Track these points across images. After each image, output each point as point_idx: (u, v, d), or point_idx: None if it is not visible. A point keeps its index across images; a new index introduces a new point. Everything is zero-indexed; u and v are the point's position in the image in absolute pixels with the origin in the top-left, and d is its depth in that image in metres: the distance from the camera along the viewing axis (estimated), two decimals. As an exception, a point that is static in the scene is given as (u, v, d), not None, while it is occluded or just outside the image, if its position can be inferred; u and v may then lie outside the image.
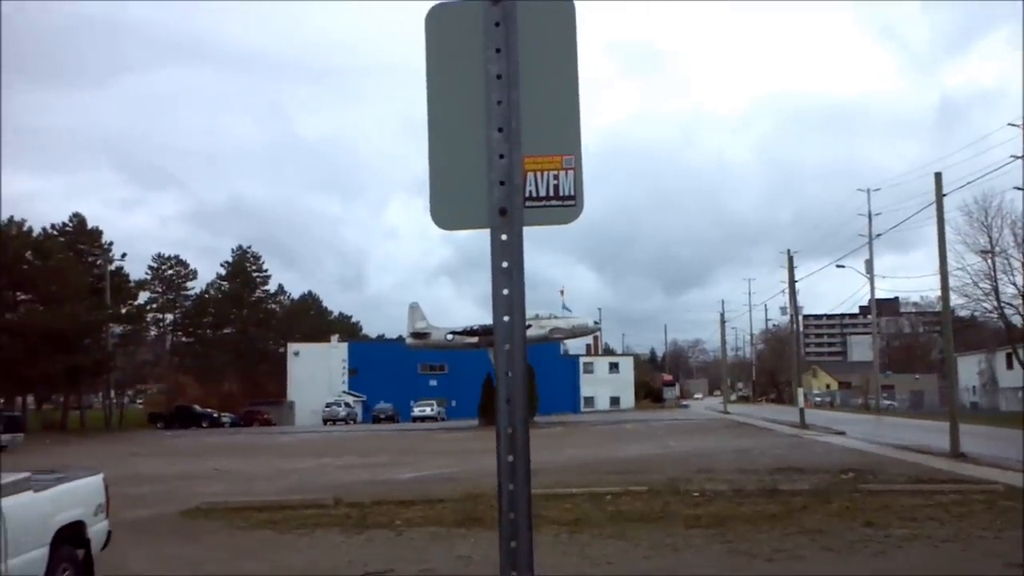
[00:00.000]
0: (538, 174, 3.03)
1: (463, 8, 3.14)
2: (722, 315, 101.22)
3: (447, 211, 3.06)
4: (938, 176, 28.92)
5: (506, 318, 2.90)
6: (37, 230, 71.27)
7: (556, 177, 3.03)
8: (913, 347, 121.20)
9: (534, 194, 3.01)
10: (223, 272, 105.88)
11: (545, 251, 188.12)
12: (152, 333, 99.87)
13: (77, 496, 9.73)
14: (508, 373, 2.87)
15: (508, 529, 2.86)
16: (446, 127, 3.11)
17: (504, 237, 2.94)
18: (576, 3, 3.11)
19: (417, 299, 77.82)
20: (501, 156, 3.01)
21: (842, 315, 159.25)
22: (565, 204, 3.01)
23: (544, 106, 3.07)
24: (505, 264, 2.92)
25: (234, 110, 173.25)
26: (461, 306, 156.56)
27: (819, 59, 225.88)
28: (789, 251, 58.68)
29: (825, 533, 12.82)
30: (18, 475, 8.91)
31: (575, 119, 3.09)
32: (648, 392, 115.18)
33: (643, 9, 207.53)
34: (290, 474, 25.81)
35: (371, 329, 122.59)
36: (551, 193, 3.02)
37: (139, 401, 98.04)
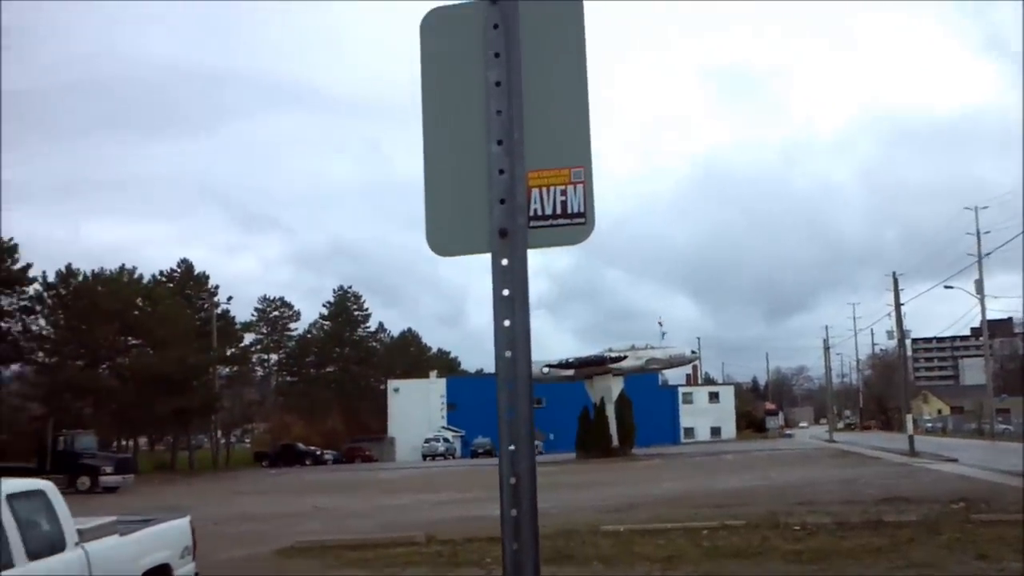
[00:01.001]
0: (543, 190, 2.70)
1: (460, 10, 2.84)
2: (826, 341, 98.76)
3: (444, 235, 2.75)
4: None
5: (508, 353, 2.55)
6: (147, 276, 73.64)
7: (564, 192, 2.69)
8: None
9: (539, 212, 2.68)
10: (325, 312, 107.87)
11: (643, 281, 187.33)
12: (258, 373, 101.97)
13: (163, 539, 9.78)
14: (511, 415, 2.53)
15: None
16: (442, 141, 2.81)
17: (505, 262, 2.62)
18: (586, 4, 2.78)
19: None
20: (501, 171, 2.69)
21: (952, 337, 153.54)
22: (574, 222, 2.67)
23: (549, 115, 2.73)
24: (507, 292, 2.60)
25: (333, 153, 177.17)
26: (559, 339, 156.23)
27: (920, 74, 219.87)
28: (894, 273, 56.81)
29: (934, 567, 12.01)
30: (105, 519, 9.01)
31: (584, 127, 2.75)
32: (750, 422, 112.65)
33: (736, 33, 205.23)
34: (387, 510, 25.77)
35: (469, 364, 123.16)
36: (558, 211, 2.68)
37: (246, 440, 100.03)
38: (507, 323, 2.58)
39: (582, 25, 2.78)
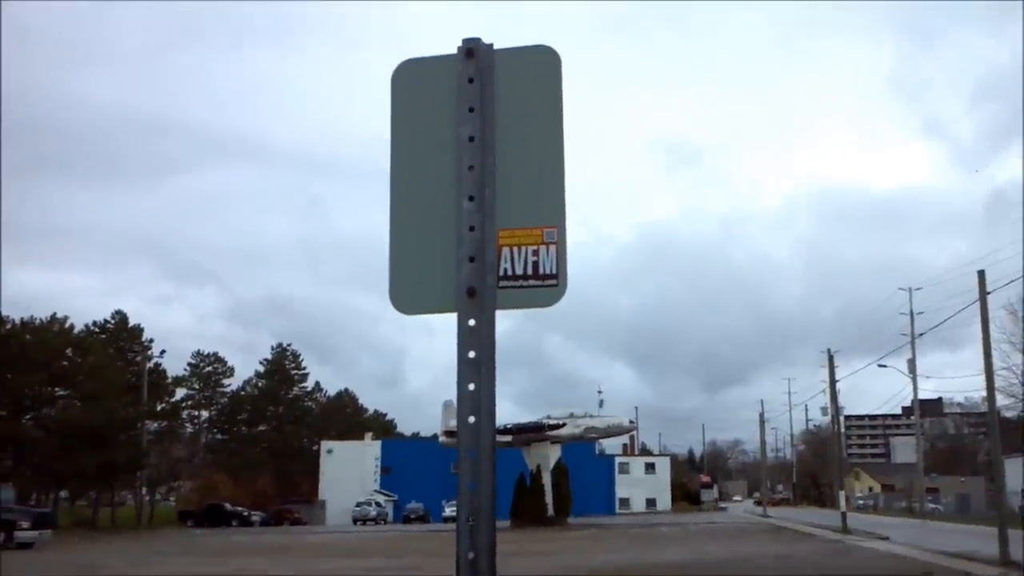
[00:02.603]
0: (515, 249, 2.61)
1: (434, 63, 2.75)
2: (761, 415, 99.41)
3: (408, 292, 2.64)
4: (981, 274, 28.17)
5: (472, 419, 2.43)
6: (79, 326, 71.78)
7: (536, 253, 2.61)
8: (959, 449, 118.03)
9: (509, 272, 2.59)
10: (261, 369, 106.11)
11: (583, 348, 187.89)
12: (188, 430, 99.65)
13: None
14: (473, 487, 2.39)
15: None
16: (410, 196, 2.70)
17: (472, 322, 2.51)
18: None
19: (452, 397, 77.75)
20: (472, 228, 2.60)
21: (885, 415, 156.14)
22: (546, 284, 2.59)
23: (523, 171, 2.66)
24: (472, 354, 2.48)
25: (273, 207, 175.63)
26: (498, 404, 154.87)
27: (858, 154, 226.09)
28: (830, 350, 57.42)
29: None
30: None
31: (559, 186, 2.67)
32: (685, 494, 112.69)
33: (682, 106, 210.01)
34: (314, 576, 25.07)
35: (406, 427, 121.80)
36: (529, 271, 2.59)
37: (171, 498, 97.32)
38: (471, 387, 2.45)
39: (559, 77, 2.72)
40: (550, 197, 2.68)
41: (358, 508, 79.13)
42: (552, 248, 2.63)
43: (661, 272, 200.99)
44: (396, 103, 2.78)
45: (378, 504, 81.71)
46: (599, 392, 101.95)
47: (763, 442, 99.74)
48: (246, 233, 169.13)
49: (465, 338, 2.51)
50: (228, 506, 76.52)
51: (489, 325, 2.52)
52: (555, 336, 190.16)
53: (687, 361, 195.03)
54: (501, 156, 2.67)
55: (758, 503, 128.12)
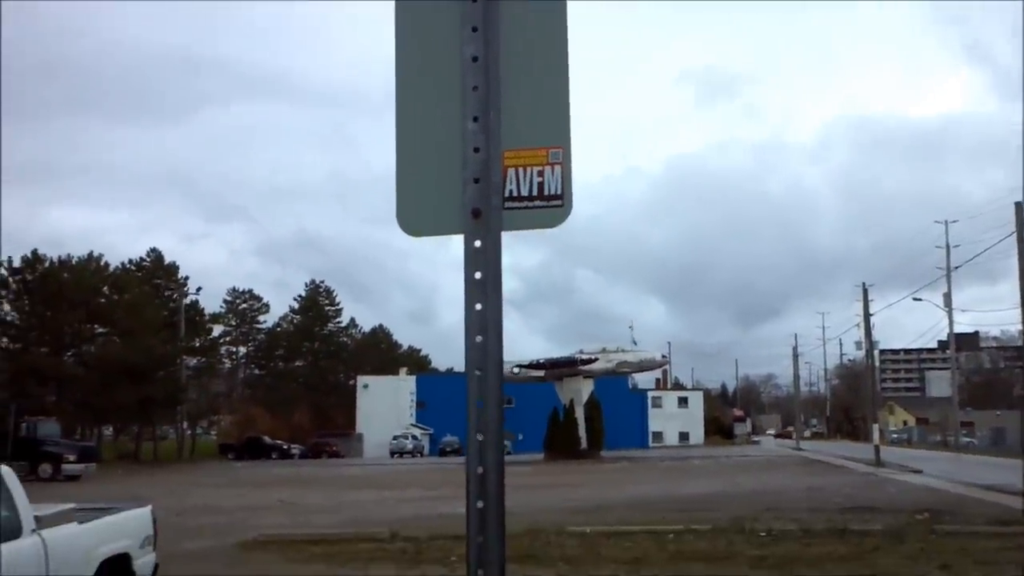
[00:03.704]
0: (519, 170, 2.61)
1: (438, -17, 2.74)
2: (795, 349, 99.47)
3: (415, 214, 2.65)
4: (1018, 206, 27.76)
5: (479, 338, 2.46)
6: (114, 264, 72.81)
7: (540, 173, 2.61)
8: (994, 383, 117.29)
9: (515, 193, 2.59)
10: (296, 306, 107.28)
11: (615, 283, 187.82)
12: (225, 365, 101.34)
13: (123, 528, 9.58)
14: (481, 404, 2.43)
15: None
16: (416, 118, 2.71)
17: (478, 243, 2.53)
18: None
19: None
20: (476, 150, 2.60)
21: (920, 350, 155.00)
22: (551, 204, 2.59)
23: (527, 91, 2.65)
24: (479, 275, 2.51)
25: (305, 144, 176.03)
26: (529, 339, 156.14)
27: (897, 80, 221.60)
28: (864, 284, 57.12)
29: (897, 577, 12.02)
30: (62, 507, 8.80)
31: (564, 105, 2.66)
32: (718, 428, 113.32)
33: (713, 35, 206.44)
34: (352, 506, 25.61)
35: (440, 362, 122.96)
36: (534, 192, 2.59)
37: (212, 432, 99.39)
38: (478, 307, 2.49)
39: (563, -4, 2.70)
40: (555, 116, 2.66)
41: (395, 441, 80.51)
42: (557, 168, 2.63)
43: (693, 205, 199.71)
44: (400, 24, 2.77)
45: (414, 437, 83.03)
46: (631, 327, 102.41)
47: (796, 376, 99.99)
48: (277, 169, 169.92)
49: (471, 259, 2.53)
50: (267, 439, 78.07)
51: (495, 246, 2.54)
52: (586, 271, 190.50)
53: (720, 295, 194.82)
54: (505, 76, 2.65)
55: (778, 435, 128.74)
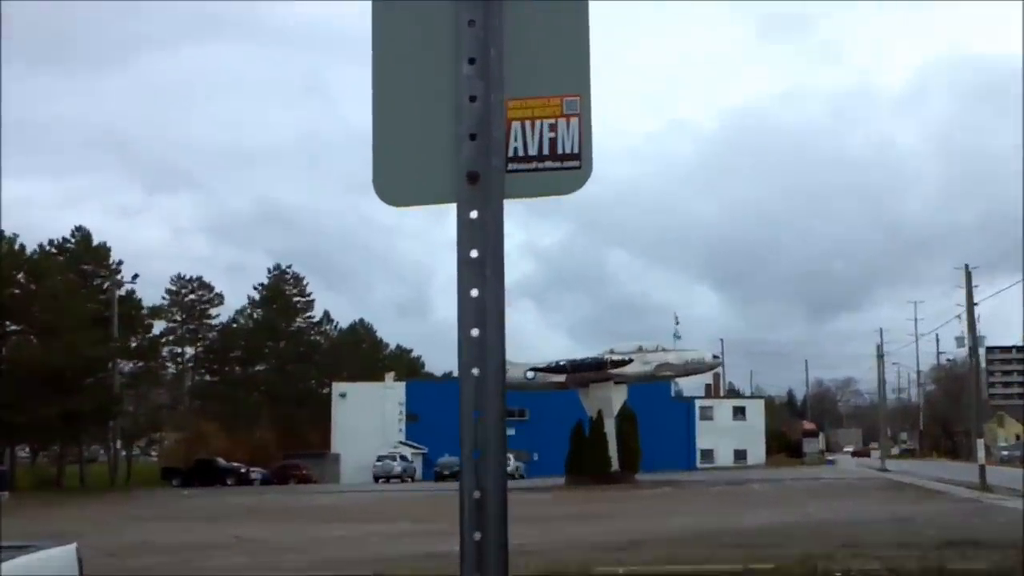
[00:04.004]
0: (527, 124, 2.63)
1: None
2: (880, 347, 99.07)
3: (396, 179, 2.67)
4: None
5: (475, 332, 2.49)
6: (32, 246, 72.87)
7: (553, 128, 2.62)
8: None
9: (521, 152, 2.62)
10: (256, 296, 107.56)
11: (655, 267, 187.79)
12: (169, 370, 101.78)
13: (43, 570, 9.64)
14: (478, 413, 2.46)
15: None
16: (397, 60, 2.72)
17: (475, 214, 2.56)
18: None
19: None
20: (473, 99, 2.62)
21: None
22: (566, 166, 2.61)
23: (537, 26, 2.66)
24: (475, 253, 2.53)
25: (266, 95, 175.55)
26: (547, 337, 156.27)
27: (1011, 12, 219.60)
28: (967, 266, 56.65)
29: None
30: (-31, 546, 8.86)
31: (583, 44, 2.67)
32: (784, 444, 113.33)
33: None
34: (327, 544, 25.76)
35: (435, 365, 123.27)
36: (545, 151, 2.62)
37: (152, 453, 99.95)
38: (474, 293, 2.51)
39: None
40: (571, 57, 2.68)
41: (379, 463, 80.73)
42: (574, 122, 2.64)
43: (753, 168, 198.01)
44: (379, -57, 2.78)
45: (403, 458, 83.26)
46: (675, 321, 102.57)
47: (881, 380, 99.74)
48: (234, 127, 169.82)
49: (466, 233, 2.55)
50: (222, 461, 78.31)
51: (496, 217, 2.55)
52: (619, 252, 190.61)
53: (786, 281, 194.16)
54: (509, 7, 2.66)
55: (857, 453, 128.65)
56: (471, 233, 2.55)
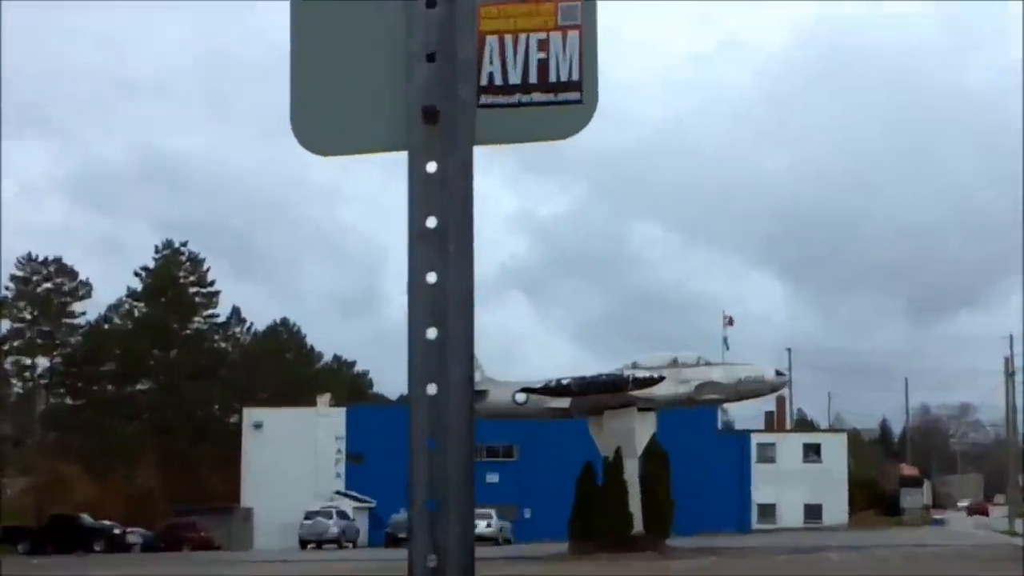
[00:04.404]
0: (507, 39, 2.65)
1: None
2: (1008, 361, 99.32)
3: (323, 119, 2.71)
4: None
5: (431, 332, 2.51)
6: None
7: (544, 45, 2.65)
8: None
9: (498, 79, 2.64)
10: (138, 286, 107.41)
11: (696, 246, 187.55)
12: (14, 390, 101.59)
13: None
14: (434, 445, 2.45)
15: None
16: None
17: (432, 167, 2.58)
18: None
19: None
20: (431, 3, 2.64)
21: None
22: (560, 99, 2.63)
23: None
24: (432, 222, 2.56)
25: (153, 5, 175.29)
26: (545, 345, 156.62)
27: None
28: None
29: None
30: None
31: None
32: (874, 497, 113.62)
33: None
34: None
35: (388, 385, 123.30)
36: (533, 77, 2.64)
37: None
38: (431, 277, 2.52)
39: None
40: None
41: (308, 522, 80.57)
42: (572, 37, 2.66)
43: (835, 107, 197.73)
44: None
45: (342, 514, 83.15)
46: (725, 323, 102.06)
47: (1010, 407, 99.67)
48: (105, 44, 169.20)
49: (421, 194, 2.55)
50: (87, 518, 78.17)
51: (463, 171, 2.55)
52: (648, 225, 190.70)
53: (880, 268, 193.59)
54: None
55: (974, 510, 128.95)
56: (427, 193, 2.55)
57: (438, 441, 2.52)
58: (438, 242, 2.55)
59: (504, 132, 2.63)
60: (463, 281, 2.54)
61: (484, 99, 2.62)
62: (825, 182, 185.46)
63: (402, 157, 2.65)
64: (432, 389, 2.52)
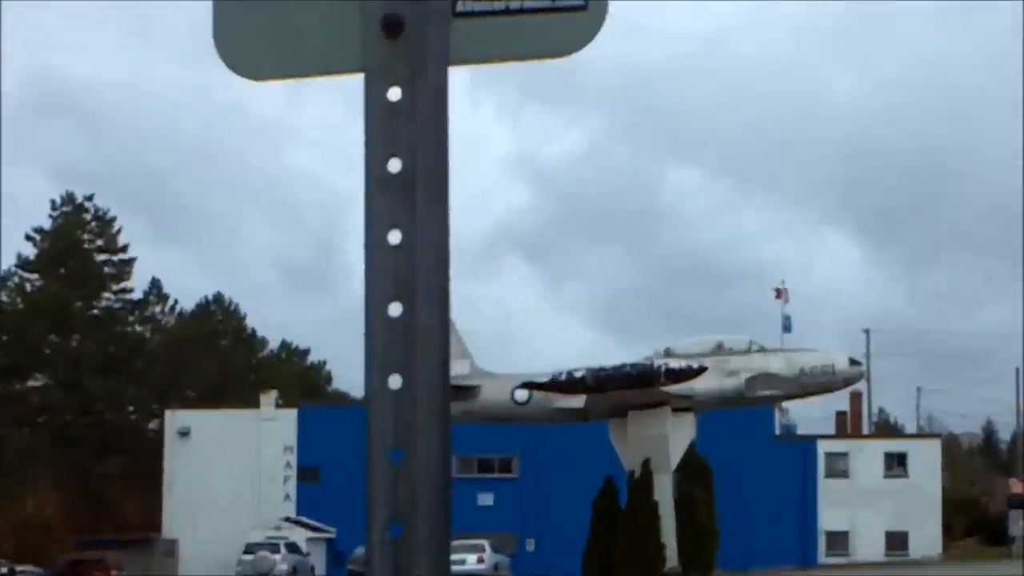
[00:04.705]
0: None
1: None
2: None
3: (255, 35, 2.74)
4: None
5: (395, 308, 2.55)
6: None
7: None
8: None
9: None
10: (30, 253, 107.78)
11: (749, 196, 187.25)
12: None
13: None
14: (399, 457, 2.46)
15: None
16: None
17: (394, 94, 2.60)
18: None
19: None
20: None
21: None
22: (559, 5, 2.65)
23: None
24: (395, 165, 2.58)
25: None
26: (552, 325, 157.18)
27: None
28: None
29: None
30: None
31: None
32: (976, 521, 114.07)
33: None
34: None
35: (351, 378, 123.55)
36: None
37: None
38: (394, 237, 2.53)
39: None
40: None
41: (249, 557, 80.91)
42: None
43: (930, 8, 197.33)
44: None
45: (291, 548, 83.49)
46: (778, 296, 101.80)
47: None
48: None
49: (381, 129, 2.55)
50: (-35, 554, 78.68)
51: (435, 99, 2.56)
52: (684, 171, 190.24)
53: (984, 227, 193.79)
54: None
55: None
56: (390, 127, 2.56)
57: (404, 449, 2.51)
58: (403, 191, 2.55)
59: (487, 48, 2.64)
60: (436, 241, 2.55)
61: (462, 5, 2.63)
62: (917, 112, 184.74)
63: (358, 81, 2.65)
64: (396, 382, 2.52)
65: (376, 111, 2.56)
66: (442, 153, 2.57)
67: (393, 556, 2.50)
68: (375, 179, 2.57)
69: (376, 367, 2.53)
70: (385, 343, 2.53)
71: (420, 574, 2.57)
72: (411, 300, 2.51)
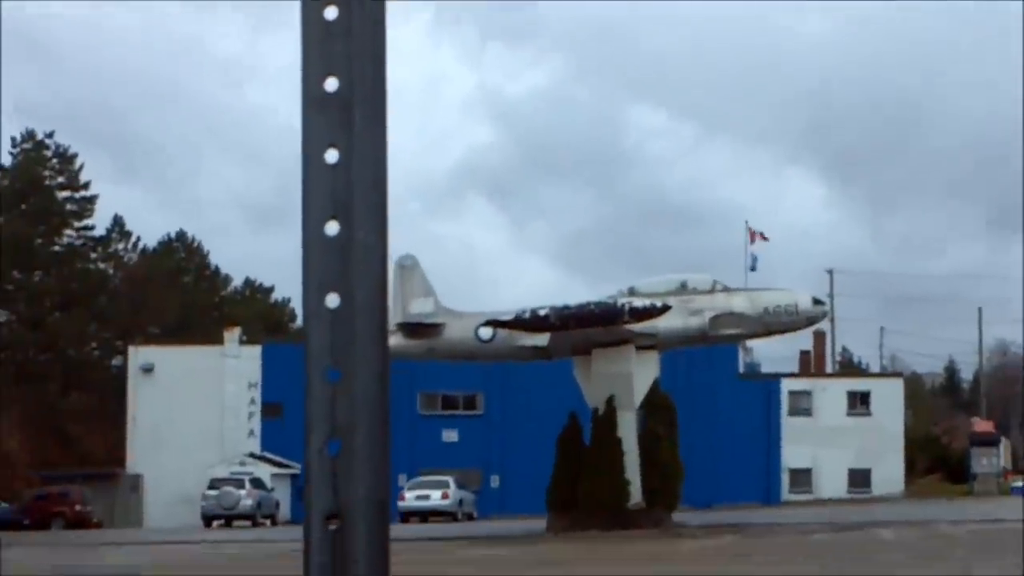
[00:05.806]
0: None
1: None
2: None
3: None
4: None
5: (332, 227, 2.51)
6: None
7: None
8: None
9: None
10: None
11: (713, 135, 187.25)
12: None
13: None
14: (336, 375, 2.45)
15: None
16: None
17: (331, 13, 2.53)
18: None
19: (413, 250, 77.89)
20: None
21: None
22: None
23: None
24: (333, 84, 2.54)
25: None
26: (516, 264, 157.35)
27: None
28: None
29: None
30: None
31: None
32: (938, 459, 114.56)
33: None
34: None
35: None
36: None
37: None
38: (332, 156, 2.50)
39: None
40: None
41: (214, 492, 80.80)
42: None
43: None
44: None
45: (256, 483, 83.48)
46: (749, 236, 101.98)
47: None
48: None
49: (317, 46, 2.54)
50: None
51: (373, 16, 2.54)
52: (649, 111, 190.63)
53: (948, 169, 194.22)
54: None
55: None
56: (327, 46, 2.54)
57: (341, 369, 2.50)
58: (340, 110, 2.53)
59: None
60: (374, 159, 2.53)
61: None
62: (882, 52, 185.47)
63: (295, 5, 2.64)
64: (333, 300, 2.51)
65: (312, 30, 2.53)
66: (380, 72, 2.55)
67: (331, 473, 2.48)
68: (312, 98, 2.54)
69: (313, 286, 2.51)
70: (322, 262, 2.51)
71: (358, 490, 2.54)
72: (348, 219, 2.49)
